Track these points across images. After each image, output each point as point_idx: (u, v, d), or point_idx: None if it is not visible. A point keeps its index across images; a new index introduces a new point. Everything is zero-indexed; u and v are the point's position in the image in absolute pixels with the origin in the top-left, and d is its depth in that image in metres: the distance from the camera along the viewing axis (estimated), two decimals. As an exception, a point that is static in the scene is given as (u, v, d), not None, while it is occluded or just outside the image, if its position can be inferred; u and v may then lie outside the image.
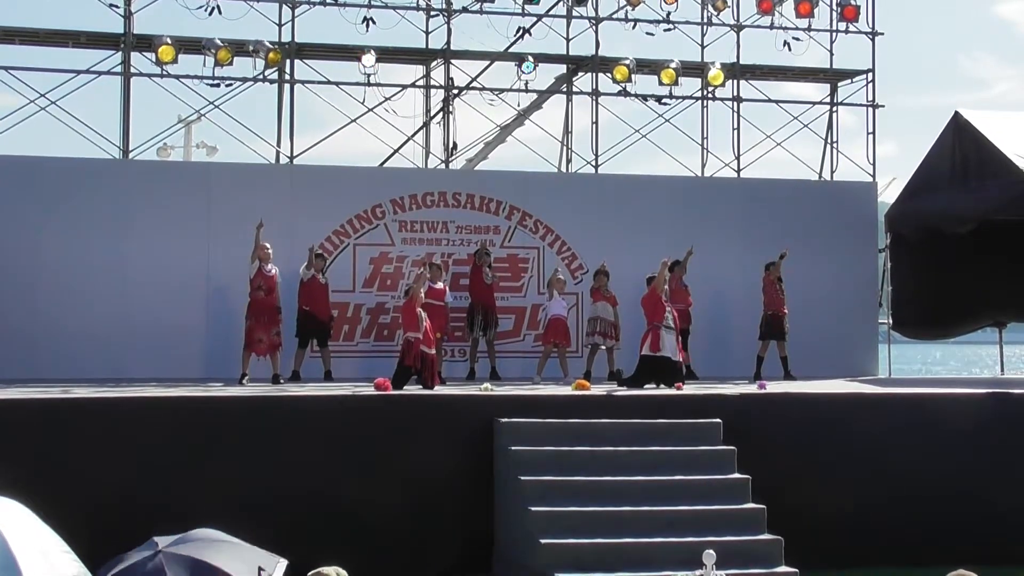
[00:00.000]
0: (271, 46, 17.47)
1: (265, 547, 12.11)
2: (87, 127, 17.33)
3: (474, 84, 18.78)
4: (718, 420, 12.53)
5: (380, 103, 18.14)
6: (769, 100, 20.03)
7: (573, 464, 11.68)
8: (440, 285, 16.16)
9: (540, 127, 19.68)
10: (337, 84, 18.31)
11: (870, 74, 19.85)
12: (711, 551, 8.74)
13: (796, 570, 10.75)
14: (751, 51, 19.74)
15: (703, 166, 19.92)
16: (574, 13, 19.03)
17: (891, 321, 20.03)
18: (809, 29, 19.41)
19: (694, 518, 11.11)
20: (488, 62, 18.91)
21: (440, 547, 12.35)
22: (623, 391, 13.95)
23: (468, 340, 16.97)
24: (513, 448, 11.87)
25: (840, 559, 12.42)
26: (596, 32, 18.98)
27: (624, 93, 18.80)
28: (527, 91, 18.88)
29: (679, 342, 15.04)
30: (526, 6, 18.47)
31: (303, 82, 18.18)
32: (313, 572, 4.71)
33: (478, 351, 16.94)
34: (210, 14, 17.17)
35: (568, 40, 19.14)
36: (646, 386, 14.21)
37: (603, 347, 16.65)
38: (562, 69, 19.61)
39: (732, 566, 10.16)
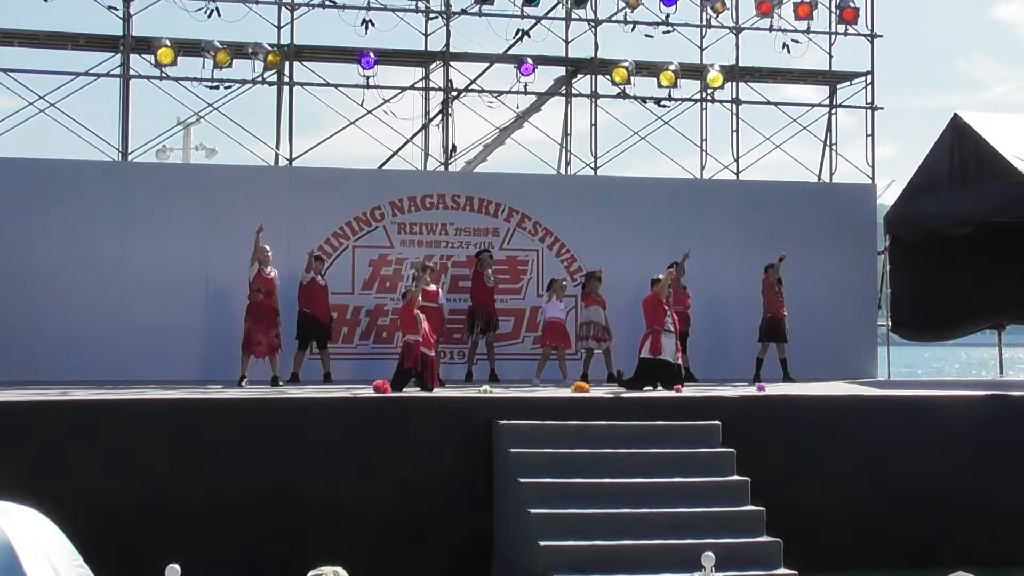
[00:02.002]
0: (270, 48, 17.48)
1: (265, 548, 12.10)
2: (86, 129, 17.35)
3: (473, 86, 18.79)
4: (717, 422, 12.52)
5: (379, 105, 18.14)
6: (768, 102, 20.03)
7: (572, 466, 11.67)
8: (433, 287, 16.14)
9: (539, 129, 19.72)
10: (336, 86, 18.31)
11: (869, 76, 19.85)
12: (710, 553, 8.75)
13: (795, 572, 10.73)
14: (750, 53, 19.77)
15: (702, 168, 19.94)
16: (573, 15, 19.04)
17: (890, 323, 20.03)
18: (808, 31, 19.43)
19: (693, 520, 11.10)
20: (487, 64, 18.92)
21: (439, 549, 12.35)
22: (623, 393, 13.94)
23: (467, 342, 16.98)
24: (512, 450, 11.86)
25: (839, 561, 12.41)
26: (595, 34, 18.98)
27: (623, 95, 18.80)
28: (526, 93, 18.90)
29: (678, 345, 15.03)
30: (525, 8, 18.48)
31: (302, 84, 18.18)
32: (313, 572, 4.71)
33: (477, 353, 16.95)
34: (209, 16, 17.20)
35: (567, 42, 19.15)
36: (645, 388, 14.21)
37: (598, 351, 16.67)
38: (561, 71, 19.61)
39: (731, 568, 10.17)
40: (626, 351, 16.10)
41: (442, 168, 18.70)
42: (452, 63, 18.63)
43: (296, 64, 18.10)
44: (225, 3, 17.33)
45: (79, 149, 17.64)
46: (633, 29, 18.91)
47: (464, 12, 18.37)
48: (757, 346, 17.11)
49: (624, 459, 11.85)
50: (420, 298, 14.63)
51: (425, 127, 19.38)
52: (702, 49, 19.54)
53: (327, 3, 17.96)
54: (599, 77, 19.01)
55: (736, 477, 11.86)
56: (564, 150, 19.64)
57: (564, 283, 17.00)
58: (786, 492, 12.13)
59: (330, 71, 18.81)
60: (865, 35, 19.80)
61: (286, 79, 17.99)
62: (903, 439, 13.31)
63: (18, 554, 5.12)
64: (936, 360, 62.49)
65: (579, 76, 19.52)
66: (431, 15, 18.68)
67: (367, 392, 13.49)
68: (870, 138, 19.86)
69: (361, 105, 17.96)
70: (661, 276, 14.84)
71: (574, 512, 11.05)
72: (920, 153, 19.27)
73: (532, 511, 11.03)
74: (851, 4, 19.41)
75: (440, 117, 18.91)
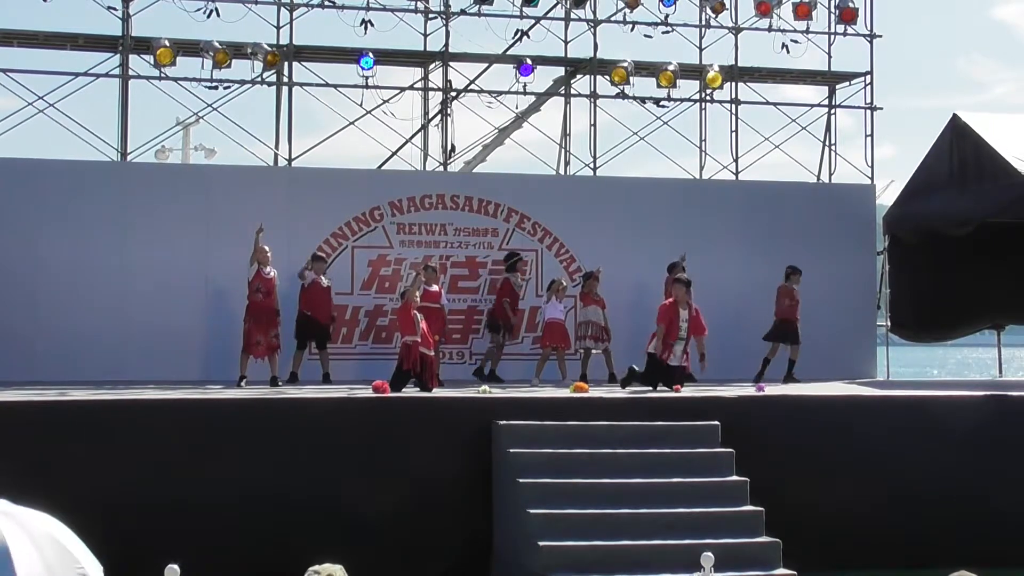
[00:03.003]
0: (269, 48, 17.48)
1: (265, 548, 12.06)
2: (85, 130, 17.34)
3: (472, 86, 18.80)
4: (716, 422, 12.52)
5: (378, 105, 18.14)
6: (767, 103, 20.04)
7: (571, 466, 11.67)
8: (435, 288, 16.14)
9: (538, 129, 19.71)
10: (335, 86, 18.31)
11: (868, 76, 19.85)
12: (709, 553, 8.75)
13: (794, 572, 10.73)
14: (749, 53, 19.78)
15: (701, 168, 19.94)
16: (572, 15, 19.05)
17: (889, 323, 20.03)
18: (807, 32, 19.44)
19: (692, 520, 11.10)
20: (486, 64, 18.92)
21: (439, 549, 12.35)
22: (624, 392, 13.94)
23: (492, 343, 16.97)
24: (511, 450, 11.86)
25: (838, 561, 12.42)
26: (594, 34, 18.99)
27: (622, 95, 18.81)
28: (525, 93, 18.90)
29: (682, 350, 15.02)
30: (524, 8, 18.49)
31: (301, 84, 18.18)
32: (311, 569, 4.72)
33: (478, 354, 17.00)
34: (208, 16, 17.22)
35: (566, 42, 19.16)
36: (645, 388, 14.19)
37: (595, 351, 16.66)
38: (560, 71, 19.62)
39: (730, 568, 10.18)
40: (626, 351, 16.11)
41: (441, 168, 18.70)
42: (451, 63, 18.64)
43: (295, 64, 18.10)
44: (224, 3, 17.34)
45: (78, 149, 17.71)
46: (632, 29, 18.92)
47: (463, 12, 18.38)
48: (756, 346, 17.07)
49: (623, 459, 11.85)
50: (418, 299, 14.63)
51: (424, 127, 19.37)
52: (701, 49, 19.55)
53: (326, 3, 17.96)
54: (598, 77, 19.02)
55: (735, 477, 11.85)
56: (563, 150, 19.64)
57: (564, 284, 17.01)
58: (786, 492, 12.13)
59: (329, 71, 18.85)
60: (864, 35, 19.80)
61: (285, 79, 17.99)
62: (903, 439, 13.32)
63: (12, 556, 5.10)
64: (933, 360, 62.43)
65: (578, 76, 19.52)
66: (430, 15, 18.68)
67: (367, 392, 13.49)
68: (869, 138, 19.87)
69: (360, 105, 17.98)
70: (683, 276, 14.92)
71: (573, 512, 11.04)
72: (919, 153, 19.29)
73: (531, 511, 11.03)
74: (850, 4, 19.42)
75: (439, 117, 18.92)
